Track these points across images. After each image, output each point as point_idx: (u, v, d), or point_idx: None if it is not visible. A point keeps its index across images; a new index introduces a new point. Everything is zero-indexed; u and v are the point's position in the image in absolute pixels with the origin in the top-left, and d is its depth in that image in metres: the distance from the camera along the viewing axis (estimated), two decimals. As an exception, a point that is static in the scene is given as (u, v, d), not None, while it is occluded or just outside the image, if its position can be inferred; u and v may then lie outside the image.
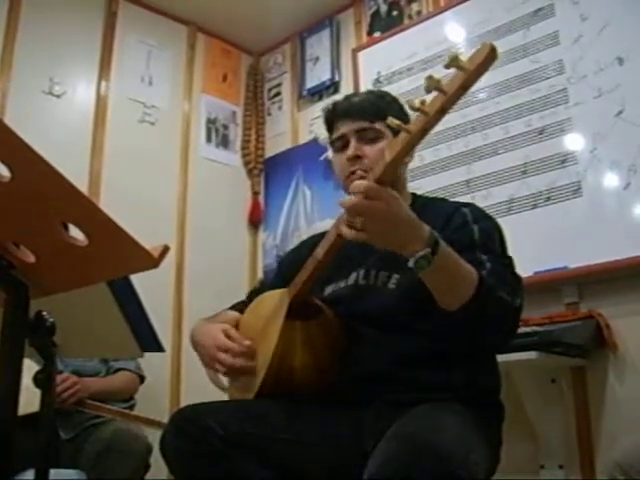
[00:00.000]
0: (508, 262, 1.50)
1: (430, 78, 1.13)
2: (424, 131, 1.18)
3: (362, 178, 1.45)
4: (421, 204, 1.65)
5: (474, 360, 1.50)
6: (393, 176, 1.33)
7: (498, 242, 1.52)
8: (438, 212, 1.58)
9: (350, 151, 1.61)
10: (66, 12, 3.38)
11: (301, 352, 1.51)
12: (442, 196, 2.80)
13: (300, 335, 1.52)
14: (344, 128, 1.65)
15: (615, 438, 2.38)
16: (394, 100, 1.72)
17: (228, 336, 1.58)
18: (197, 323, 1.75)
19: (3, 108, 3.07)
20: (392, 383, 1.48)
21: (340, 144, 1.65)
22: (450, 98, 1.14)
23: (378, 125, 1.61)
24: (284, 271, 1.77)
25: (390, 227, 1.26)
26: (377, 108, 1.63)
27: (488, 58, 1.10)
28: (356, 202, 1.24)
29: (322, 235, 1.47)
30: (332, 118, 1.70)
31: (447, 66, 1.12)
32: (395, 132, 1.55)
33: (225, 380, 1.66)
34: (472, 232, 1.49)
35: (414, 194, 1.73)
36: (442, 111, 1.16)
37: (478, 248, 1.45)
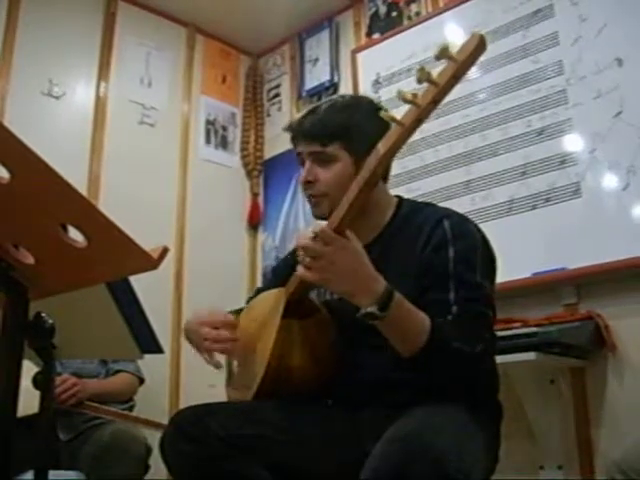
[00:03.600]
0: (481, 295, 1.45)
1: (421, 70, 1.14)
2: (417, 122, 1.19)
3: (316, 205, 1.56)
4: (406, 211, 1.63)
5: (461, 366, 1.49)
6: (387, 169, 1.33)
7: (479, 263, 1.47)
8: (420, 224, 1.54)
9: (302, 175, 1.60)
10: (65, 13, 3.38)
11: (299, 350, 1.51)
12: (442, 197, 2.82)
13: (297, 333, 1.52)
14: (299, 148, 1.63)
15: (614, 439, 2.38)
16: (361, 110, 1.61)
17: (210, 314, 1.61)
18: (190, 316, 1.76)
19: (2, 109, 3.07)
20: (391, 385, 1.48)
21: (300, 161, 1.64)
22: (441, 89, 1.14)
23: (330, 148, 1.55)
24: (279, 275, 1.77)
25: (336, 275, 1.29)
26: (331, 129, 1.56)
27: (478, 48, 1.11)
28: (308, 244, 1.28)
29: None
30: (291, 135, 1.68)
31: (437, 57, 1.12)
32: (355, 152, 1.54)
33: (221, 358, 1.66)
34: (448, 258, 1.45)
35: (401, 199, 1.68)
36: (434, 102, 1.16)
37: (451, 281, 1.42)
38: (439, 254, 1.46)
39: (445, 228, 1.50)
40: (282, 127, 1.75)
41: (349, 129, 1.55)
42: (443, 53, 1.12)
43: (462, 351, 1.36)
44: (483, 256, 1.50)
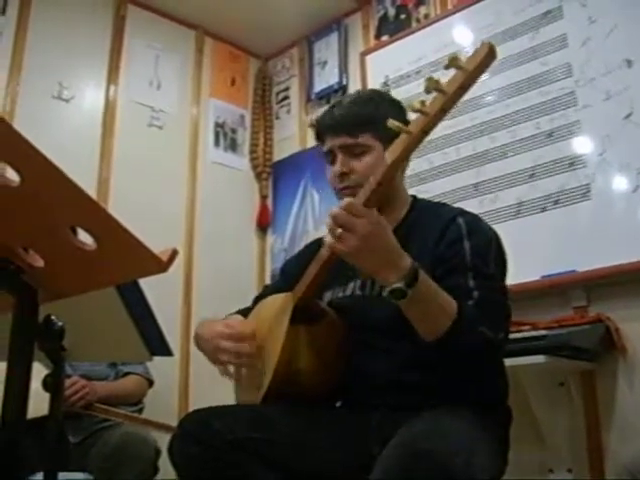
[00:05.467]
0: (498, 286, 1.47)
1: (429, 79, 1.14)
2: (424, 132, 1.19)
3: (350, 194, 1.46)
4: (420, 209, 1.64)
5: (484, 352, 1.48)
6: (393, 179, 1.33)
7: (493, 257, 1.48)
8: (435, 221, 1.55)
9: (337, 168, 1.58)
10: (75, 16, 3.40)
11: (307, 355, 1.51)
12: (451, 199, 2.81)
13: (305, 338, 1.52)
14: (329, 143, 1.61)
15: (624, 442, 2.37)
16: (384, 101, 1.66)
17: (229, 326, 1.58)
18: (200, 322, 1.75)
19: (12, 112, 3.09)
20: (398, 388, 1.48)
21: (329, 158, 1.63)
22: (450, 98, 1.14)
23: (363, 139, 1.56)
24: (287, 276, 1.77)
25: (366, 249, 1.27)
26: (361, 119, 1.58)
27: (487, 58, 1.11)
28: (341, 213, 1.26)
29: None
30: (319, 131, 1.66)
31: (447, 67, 1.12)
32: (385, 140, 1.54)
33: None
34: (464, 251, 1.46)
35: (415, 197, 1.70)
36: (442, 111, 1.16)
37: (469, 271, 1.43)
38: (454, 248, 1.47)
39: (460, 224, 1.51)
40: (309, 123, 1.74)
41: (378, 118, 1.54)
42: (452, 62, 1.12)
43: (487, 336, 1.35)
44: (496, 254, 1.51)
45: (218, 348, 1.56)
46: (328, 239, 1.32)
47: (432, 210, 1.63)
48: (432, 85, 1.14)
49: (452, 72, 1.15)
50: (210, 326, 1.63)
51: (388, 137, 1.50)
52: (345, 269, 1.50)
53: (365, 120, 1.58)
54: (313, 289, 1.51)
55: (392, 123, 1.23)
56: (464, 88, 1.13)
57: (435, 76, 1.15)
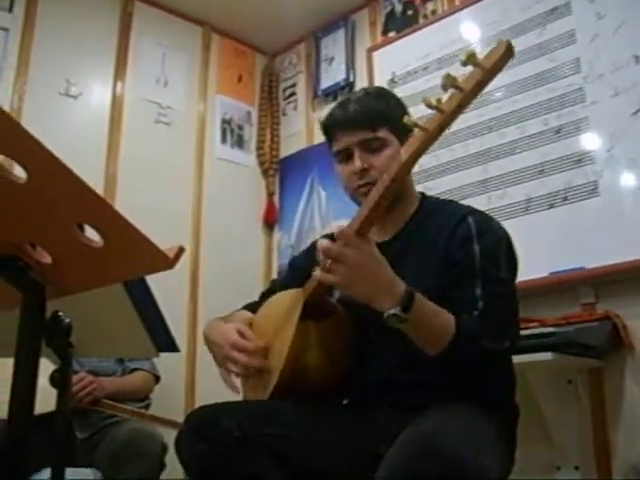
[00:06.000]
0: (508, 292, 1.46)
1: (447, 76, 1.13)
2: (441, 129, 1.18)
3: (369, 191, 1.42)
4: (428, 207, 1.64)
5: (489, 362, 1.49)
6: (407, 175, 1.33)
7: (504, 260, 1.48)
8: (444, 219, 1.54)
9: (357, 164, 1.56)
10: (82, 13, 3.40)
11: (315, 352, 1.51)
12: (458, 196, 2.81)
13: (314, 335, 1.52)
14: (345, 140, 1.58)
15: (631, 440, 2.36)
16: (391, 97, 1.66)
17: (242, 335, 1.58)
18: (210, 321, 1.75)
19: (20, 109, 3.09)
20: (405, 386, 1.48)
21: (343, 156, 1.60)
22: (467, 95, 1.13)
23: (381, 133, 1.55)
24: (296, 271, 1.77)
25: (356, 278, 1.28)
26: (377, 113, 1.57)
27: (505, 55, 1.10)
28: (330, 247, 1.28)
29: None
30: (331, 129, 1.64)
31: (464, 63, 1.11)
32: (399, 135, 1.54)
33: (238, 381, 1.66)
34: (473, 254, 1.45)
35: (423, 195, 1.69)
36: (459, 108, 1.15)
37: (477, 278, 1.42)
38: (464, 250, 1.46)
39: (470, 224, 1.50)
40: (319, 121, 1.70)
41: (391, 113, 1.56)
42: (470, 59, 1.11)
43: (490, 348, 1.36)
44: (507, 254, 1.50)
45: (228, 357, 1.56)
46: (317, 271, 1.33)
47: (441, 208, 1.62)
48: (449, 82, 1.13)
49: (458, 67, 1.15)
50: (222, 330, 1.63)
51: (402, 133, 1.50)
52: None
53: (381, 114, 1.57)
54: (323, 286, 1.51)
55: (408, 119, 1.23)
56: (481, 85, 1.13)
57: (445, 72, 1.14)
